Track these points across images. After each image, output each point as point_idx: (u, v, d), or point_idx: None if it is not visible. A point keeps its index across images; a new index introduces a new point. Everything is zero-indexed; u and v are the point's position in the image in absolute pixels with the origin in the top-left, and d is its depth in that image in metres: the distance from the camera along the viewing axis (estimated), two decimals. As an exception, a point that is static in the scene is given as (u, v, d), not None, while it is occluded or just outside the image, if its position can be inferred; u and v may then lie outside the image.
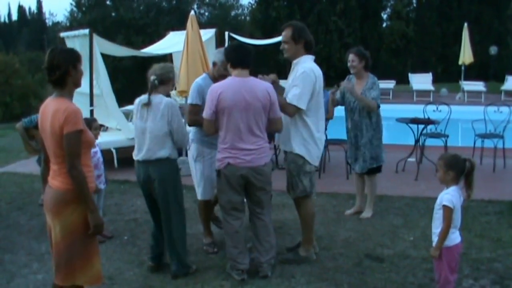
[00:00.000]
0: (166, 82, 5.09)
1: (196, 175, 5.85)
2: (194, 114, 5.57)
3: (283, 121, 5.13)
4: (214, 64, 5.76)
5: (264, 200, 5.15)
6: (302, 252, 5.56)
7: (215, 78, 5.57)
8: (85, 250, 3.77)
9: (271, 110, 4.91)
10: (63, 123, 3.54)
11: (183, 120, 5.42)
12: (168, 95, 5.20)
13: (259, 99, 4.81)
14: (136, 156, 5.16)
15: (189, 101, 5.73)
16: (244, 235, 5.21)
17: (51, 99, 3.73)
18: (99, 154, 6.20)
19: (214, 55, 5.91)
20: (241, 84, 4.85)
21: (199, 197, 5.94)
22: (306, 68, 5.10)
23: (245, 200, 5.20)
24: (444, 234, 4.22)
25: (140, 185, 5.30)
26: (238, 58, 4.97)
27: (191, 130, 5.85)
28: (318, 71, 5.22)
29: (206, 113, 4.90)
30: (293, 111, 5.09)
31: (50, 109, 3.64)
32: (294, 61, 5.30)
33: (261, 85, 4.93)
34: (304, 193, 5.35)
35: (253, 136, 4.87)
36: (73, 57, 3.76)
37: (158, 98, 4.97)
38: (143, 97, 5.05)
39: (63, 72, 3.65)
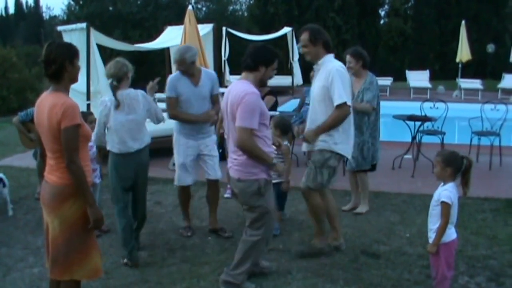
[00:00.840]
0: (123, 77, 5.35)
1: (175, 162, 6.34)
2: (173, 107, 6.05)
3: (313, 116, 5.40)
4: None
5: (248, 217, 4.72)
6: (317, 244, 5.64)
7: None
8: (83, 244, 3.77)
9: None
10: (61, 118, 3.53)
11: None
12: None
13: (231, 104, 4.48)
14: (127, 149, 5.35)
15: (168, 93, 6.09)
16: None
17: (47, 93, 3.73)
18: (94, 149, 6.20)
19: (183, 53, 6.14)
20: (231, 87, 4.67)
21: (175, 182, 6.34)
22: (337, 66, 5.25)
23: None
24: (442, 230, 4.24)
25: (126, 178, 5.45)
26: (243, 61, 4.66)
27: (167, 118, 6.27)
28: (345, 68, 5.46)
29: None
30: (346, 109, 5.21)
31: (47, 103, 3.63)
32: (318, 62, 5.40)
33: (238, 88, 4.50)
34: (320, 186, 5.37)
35: (234, 145, 4.53)
36: (70, 52, 3.74)
37: (131, 92, 5.36)
38: (112, 99, 5.29)
39: (59, 66, 3.64)
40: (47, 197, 3.77)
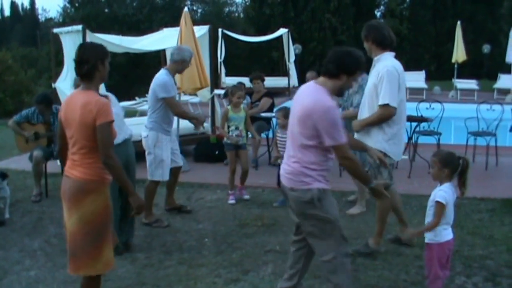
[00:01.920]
0: None
1: (155, 159, 6.54)
2: (178, 106, 6.71)
3: (362, 110, 5.45)
4: (181, 61, 6.71)
5: (307, 232, 4.19)
6: (372, 244, 5.68)
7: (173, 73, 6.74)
8: (99, 239, 3.87)
9: (321, 136, 3.93)
10: (96, 115, 3.70)
11: None
12: None
13: (300, 107, 4.04)
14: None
15: (165, 94, 6.46)
16: (290, 256, 4.52)
17: (78, 91, 3.91)
18: None
19: (178, 54, 6.73)
20: (304, 87, 4.23)
21: (157, 178, 6.61)
22: (388, 66, 5.24)
23: None
24: (431, 227, 4.28)
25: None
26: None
27: (151, 118, 6.61)
28: (400, 67, 5.37)
29: None
30: (390, 111, 5.21)
31: (79, 101, 3.78)
32: (374, 59, 5.46)
33: (316, 97, 4.03)
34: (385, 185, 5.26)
35: (291, 150, 4.15)
36: (102, 52, 3.93)
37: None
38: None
39: (92, 66, 3.81)
40: (69, 191, 3.87)
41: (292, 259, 4.47)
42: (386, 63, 5.29)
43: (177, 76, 8.69)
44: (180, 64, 6.73)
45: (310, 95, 4.02)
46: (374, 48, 5.42)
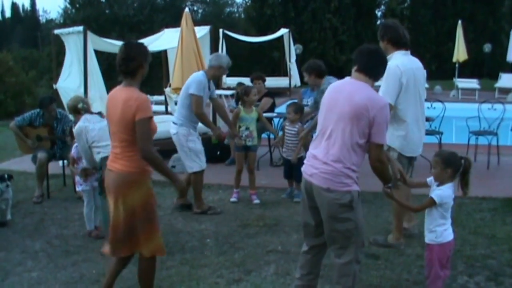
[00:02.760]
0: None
1: (190, 152, 6.94)
2: (201, 106, 6.90)
3: None
4: (218, 67, 7.09)
5: (332, 241, 4.06)
6: (391, 239, 5.82)
7: (210, 77, 7.09)
8: (147, 226, 4.13)
9: (371, 131, 3.84)
10: (136, 110, 3.89)
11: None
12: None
13: (350, 103, 3.87)
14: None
15: (195, 91, 6.80)
16: (306, 263, 4.32)
17: (120, 88, 4.11)
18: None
19: (216, 59, 7.20)
20: (345, 83, 4.11)
21: (197, 169, 6.97)
22: (392, 65, 5.22)
23: None
24: (413, 209, 4.64)
25: None
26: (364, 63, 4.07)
27: (181, 114, 6.92)
28: (404, 65, 5.36)
29: None
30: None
31: (121, 97, 4.00)
32: (388, 57, 5.39)
33: (366, 92, 3.93)
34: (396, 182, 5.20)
35: (330, 148, 3.92)
36: (146, 52, 4.16)
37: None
38: (88, 117, 6.10)
39: (138, 64, 4.04)
40: (112, 184, 4.09)
41: (309, 265, 4.30)
42: (391, 62, 5.30)
43: (179, 76, 8.75)
44: (217, 70, 7.14)
45: (360, 92, 3.89)
46: (390, 47, 5.50)
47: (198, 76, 7.01)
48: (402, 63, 5.37)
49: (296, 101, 8.11)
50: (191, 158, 6.96)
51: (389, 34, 5.53)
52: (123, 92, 4.04)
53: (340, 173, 3.84)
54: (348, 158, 3.84)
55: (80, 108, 6.16)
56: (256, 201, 7.57)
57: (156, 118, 5.05)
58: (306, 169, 4.07)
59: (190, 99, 6.87)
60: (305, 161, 4.15)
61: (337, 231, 3.95)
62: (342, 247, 3.99)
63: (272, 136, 9.69)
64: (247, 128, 7.52)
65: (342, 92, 3.97)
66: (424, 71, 5.87)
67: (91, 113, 6.16)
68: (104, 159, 5.23)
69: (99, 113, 6.22)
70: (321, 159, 3.92)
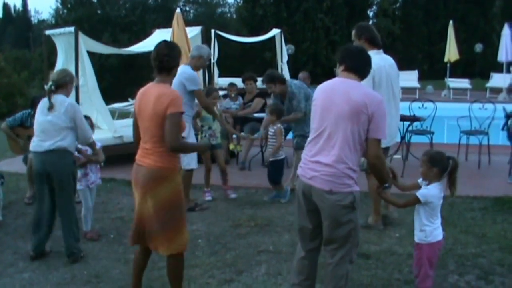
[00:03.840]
0: (63, 85, 5.57)
1: None
2: (205, 98, 7.16)
3: None
4: (198, 57, 7.12)
5: (330, 241, 3.99)
6: (370, 221, 6.32)
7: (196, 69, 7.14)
8: (174, 222, 4.20)
9: (369, 127, 3.83)
10: (168, 105, 4.01)
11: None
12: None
13: (348, 102, 3.84)
14: (39, 147, 5.51)
15: (196, 87, 6.92)
16: (303, 269, 4.26)
17: (154, 84, 4.25)
18: (90, 151, 6.24)
19: (196, 50, 7.25)
20: (337, 83, 4.04)
21: (194, 166, 7.12)
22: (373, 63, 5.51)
23: None
24: (398, 205, 4.59)
25: (37, 174, 5.66)
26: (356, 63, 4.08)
27: None
28: (377, 64, 5.40)
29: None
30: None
31: (154, 93, 4.13)
32: None
33: (362, 90, 3.95)
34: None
35: (331, 149, 3.86)
36: (180, 51, 4.39)
37: (61, 98, 5.51)
38: (46, 102, 5.52)
39: (176, 63, 4.29)
40: (142, 179, 4.15)
41: (307, 270, 4.22)
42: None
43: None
44: (198, 60, 7.13)
45: (355, 90, 3.88)
46: (366, 46, 5.68)
47: (188, 71, 6.95)
48: (374, 62, 5.39)
49: (275, 102, 8.12)
50: (190, 155, 6.98)
51: (366, 34, 5.95)
52: (156, 88, 4.17)
53: (343, 174, 3.81)
54: (350, 158, 3.82)
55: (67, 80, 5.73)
56: (233, 195, 7.75)
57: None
58: (304, 172, 4.00)
59: (187, 96, 6.76)
60: (301, 165, 4.07)
61: (338, 233, 3.92)
62: (339, 247, 3.96)
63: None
64: (209, 128, 7.65)
65: (336, 92, 3.92)
66: (396, 68, 6.23)
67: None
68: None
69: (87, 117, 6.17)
70: (323, 161, 3.86)
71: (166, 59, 4.20)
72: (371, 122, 3.79)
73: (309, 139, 4.08)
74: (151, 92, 4.17)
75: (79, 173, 6.20)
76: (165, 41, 4.37)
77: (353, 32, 6.04)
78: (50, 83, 5.53)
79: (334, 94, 3.93)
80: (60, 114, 5.43)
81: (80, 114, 5.57)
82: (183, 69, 6.89)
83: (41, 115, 5.53)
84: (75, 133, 5.55)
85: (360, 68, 4.04)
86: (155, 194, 4.11)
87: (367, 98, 3.82)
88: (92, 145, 6.02)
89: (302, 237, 4.24)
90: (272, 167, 7.61)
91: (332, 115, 3.85)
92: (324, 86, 4.09)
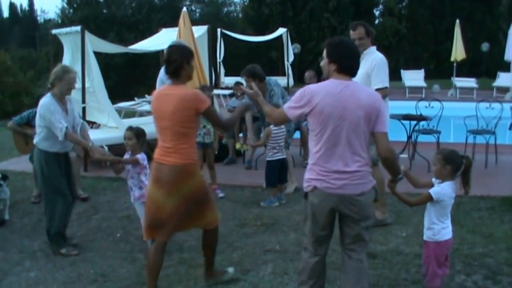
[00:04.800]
0: (54, 83, 5.73)
1: None
2: None
3: None
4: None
5: (359, 238, 4.03)
6: (379, 216, 6.29)
7: None
8: (204, 204, 4.62)
9: (376, 122, 3.87)
10: (198, 103, 4.32)
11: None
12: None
13: (360, 106, 3.80)
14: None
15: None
16: (314, 272, 4.21)
17: (170, 86, 4.48)
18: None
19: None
20: (341, 88, 3.86)
21: None
22: (381, 57, 6.10)
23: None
24: (410, 203, 4.57)
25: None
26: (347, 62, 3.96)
27: None
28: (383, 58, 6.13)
29: (290, 111, 4.02)
30: (386, 92, 5.93)
31: (174, 94, 4.35)
32: (364, 52, 6.00)
33: (366, 91, 4.00)
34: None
35: (352, 154, 3.84)
36: (187, 53, 4.48)
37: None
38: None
39: (179, 65, 4.37)
40: (167, 176, 4.37)
41: (318, 272, 4.19)
42: (376, 55, 6.10)
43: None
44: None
45: (360, 92, 3.85)
46: (369, 43, 6.15)
47: (160, 73, 7.38)
48: (380, 57, 6.13)
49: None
50: None
51: (372, 31, 6.21)
52: (175, 90, 4.39)
53: (368, 174, 3.92)
54: (367, 157, 3.92)
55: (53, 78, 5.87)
56: (221, 194, 7.77)
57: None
58: (329, 184, 3.87)
59: None
60: (319, 177, 3.92)
61: (366, 228, 4.00)
62: (363, 243, 4.06)
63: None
64: (204, 126, 7.65)
65: (342, 98, 3.79)
66: None
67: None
68: None
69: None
70: (348, 169, 3.82)
71: (166, 65, 4.43)
72: (378, 118, 3.84)
73: (319, 147, 3.90)
74: (170, 93, 4.37)
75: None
76: (169, 46, 4.57)
77: (362, 30, 6.15)
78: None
79: (340, 101, 3.79)
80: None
81: (48, 112, 5.68)
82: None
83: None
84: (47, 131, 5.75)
85: (356, 69, 3.99)
86: (182, 189, 4.37)
87: (373, 97, 3.90)
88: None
89: (318, 243, 4.16)
90: (266, 167, 7.58)
91: (346, 122, 3.77)
92: (324, 92, 3.85)
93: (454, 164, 4.28)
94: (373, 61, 6.02)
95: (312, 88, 3.91)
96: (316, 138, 3.91)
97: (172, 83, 4.46)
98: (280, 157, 7.38)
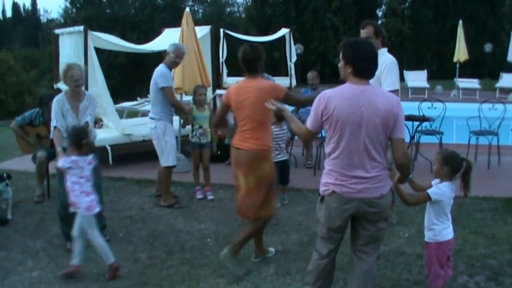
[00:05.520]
0: (64, 81, 5.94)
1: (166, 146, 7.30)
2: (174, 95, 7.66)
3: None
4: (167, 53, 7.40)
5: (373, 240, 4.03)
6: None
7: (170, 67, 7.42)
8: (269, 191, 5.06)
9: (394, 128, 3.80)
10: (276, 92, 4.93)
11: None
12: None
13: (377, 113, 3.74)
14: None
15: (165, 84, 7.20)
16: (323, 273, 4.20)
17: (247, 80, 5.06)
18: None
19: (168, 47, 7.48)
20: (357, 93, 3.80)
21: (172, 163, 7.41)
22: (390, 59, 6.05)
23: None
24: (407, 201, 4.47)
25: None
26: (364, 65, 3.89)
27: (156, 109, 7.28)
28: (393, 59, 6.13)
29: (312, 125, 3.99)
30: (397, 95, 5.59)
31: (253, 86, 4.95)
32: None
33: (385, 95, 3.90)
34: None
35: (370, 160, 3.82)
36: (263, 52, 5.10)
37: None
38: None
39: (261, 62, 5.05)
40: (245, 160, 4.97)
41: (326, 272, 4.19)
42: (387, 56, 6.03)
43: (179, 76, 8.76)
44: (168, 57, 7.40)
45: (378, 97, 3.77)
46: (379, 45, 6.01)
47: (161, 69, 7.30)
48: (389, 58, 6.08)
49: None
50: (168, 152, 7.34)
51: (383, 33, 6.18)
52: (254, 82, 4.99)
53: (386, 176, 3.92)
54: (385, 161, 3.89)
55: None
56: (211, 197, 7.76)
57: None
58: (349, 189, 3.85)
59: (161, 94, 7.23)
60: (337, 182, 3.89)
61: (382, 230, 4.02)
62: (377, 244, 4.10)
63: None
64: (200, 127, 7.72)
65: (359, 104, 3.73)
66: None
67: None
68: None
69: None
70: (367, 175, 3.82)
71: (251, 62, 5.00)
72: (396, 123, 3.77)
73: (337, 154, 3.86)
74: (250, 86, 4.97)
75: None
76: (250, 46, 5.12)
77: (370, 30, 6.02)
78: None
79: (359, 106, 3.73)
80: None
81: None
82: (158, 68, 7.32)
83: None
84: None
85: (373, 71, 3.91)
86: (256, 171, 4.93)
87: (391, 102, 3.77)
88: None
89: (329, 246, 4.14)
90: (281, 165, 7.40)
91: (364, 129, 3.74)
92: (340, 97, 3.80)
93: (453, 165, 4.28)
94: (383, 63, 5.72)
95: (327, 94, 3.84)
96: (333, 144, 3.87)
97: (250, 77, 5.02)
98: (282, 158, 7.24)
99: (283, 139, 7.36)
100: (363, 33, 6.05)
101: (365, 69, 3.84)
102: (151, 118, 7.37)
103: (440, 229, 4.31)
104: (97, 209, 5.19)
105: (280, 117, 7.08)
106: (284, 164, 7.36)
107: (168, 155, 7.35)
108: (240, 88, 5.05)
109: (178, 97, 9.17)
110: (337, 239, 4.11)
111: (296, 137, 8.92)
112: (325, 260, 4.15)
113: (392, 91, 5.43)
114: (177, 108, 7.60)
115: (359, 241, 4.04)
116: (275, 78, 8.39)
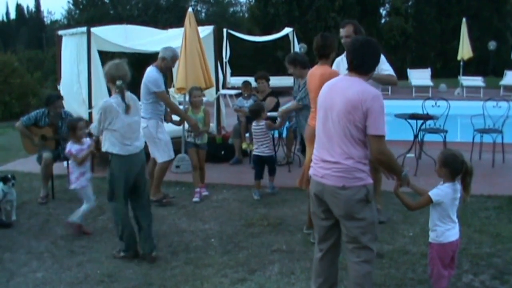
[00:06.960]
0: (127, 80, 5.55)
1: (160, 143, 7.38)
2: (168, 97, 7.74)
3: None
4: (163, 59, 7.45)
5: (350, 239, 3.99)
6: (382, 218, 6.24)
7: (162, 71, 7.49)
8: None
9: (366, 123, 3.79)
10: (327, 78, 4.58)
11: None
12: None
13: (345, 101, 3.82)
14: (134, 149, 5.49)
15: (157, 89, 7.28)
16: (321, 271, 4.25)
17: (317, 66, 5.76)
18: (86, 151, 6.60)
19: (162, 51, 7.53)
20: (339, 82, 4.07)
21: (167, 158, 7.48)
22: None
23: None
24: (410, 206, 4.42)
25: (128, 177, 5.48)
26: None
27: (147, 109, 7.32)
28: None
29: None
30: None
31: (318, 72, 5.59)
32: None
33: (358, 87, 3.87)
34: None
35: (336, 147, 3.88)
36: (335, 40, 5.76)
37: (131, 95, 5.58)
38: (119, 102, 5.36)
39: (332, 49, 5.72)
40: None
41: (326, 271, 4.23)
42: None
43: (182, 76, 8.76)
44: (162, 61, 7.47)
45: (352, 87, 3.84)
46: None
47: (151, 73, 7.34)
48: None
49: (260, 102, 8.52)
50: (161, 148, 7.41)
51: (361, 32, 6.34)
52: (319, 69, 5.63)
53: (353, 169, 3.83)
54: (356, 154, 3.84)
55: (118, 85, 5.40)
56: (205, 193, 7.82)
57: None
58: (316, 172, 4.03)
59: (152, 96, 7.32)
60: (312, 164, 4.11)
61: (355, 229, 3.92)
62: (361, 246, 3.96)
63: (276, 135, 9.68)
64: None
65: (336, 91, 3.95)
66: None
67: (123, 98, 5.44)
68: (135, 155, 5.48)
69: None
70: (330, 160, 3.90)
71: (322, 48, 5.67)
72: (367, 118, 3.76)
73: (316, 136, 4.13)
74: (316, 73, 5.62)
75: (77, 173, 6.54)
76: (320, 35, 5.78)
77: (350, 29, 6.28)
78: (119, 82, 5.38)
79: (334, 93, 3.95)
80: (138, 112, 5.78)
81: None
82: (148, 72, 7.36)
83: (126, 117, 5.39)
84: None
85: (362, 64, 3.97)
86: None
87: (361, 95, 3.77)
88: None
89: (320, 237, 4.22)
90: (268, 161, 8.01)
91: (334, 114, 3.88)
92: (327, 85, 4.13)
93: (451, 167, 4.26)
94: None
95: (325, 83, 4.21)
96: (317, 127, 4.12)
97: (320, 63, 5.68)
98: (258, 153, 7.85)
99: (260, 134, 7.79)
100: (343, 32, 6.23)
101: (349, 62, 4.02)
102: (142, 118, 7.18)
103: (442, 230, 4.30)
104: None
105: (256, 113, 7.69)
106: (261, 159, 7.86)
107: (163, 152, 7.43)
108: (312, 72, 5.80)
109: (181, 97, 9.20)
110: (324, 228, 4.14)
111: (298, 137, 8.91)
112: (319, 254, 4.22)
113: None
114: (174, 111, 7.78)
115: (343, 237, 4.09)
116: (279, 77, 8.49)
